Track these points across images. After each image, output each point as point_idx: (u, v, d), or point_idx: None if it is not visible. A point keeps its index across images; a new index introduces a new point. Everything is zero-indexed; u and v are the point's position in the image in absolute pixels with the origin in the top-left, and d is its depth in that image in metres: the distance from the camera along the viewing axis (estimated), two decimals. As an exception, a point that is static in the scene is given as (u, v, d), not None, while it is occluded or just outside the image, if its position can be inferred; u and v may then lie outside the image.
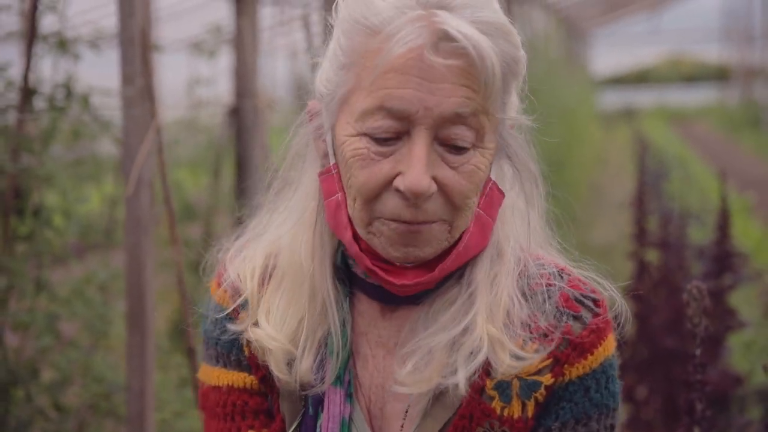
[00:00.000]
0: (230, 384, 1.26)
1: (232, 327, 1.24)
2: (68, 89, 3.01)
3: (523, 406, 1.17)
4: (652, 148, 12.69)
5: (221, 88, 7.39)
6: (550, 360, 1.17)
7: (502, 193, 1.19)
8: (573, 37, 21.06)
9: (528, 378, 1.17)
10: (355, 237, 1.16)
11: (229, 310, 1.25)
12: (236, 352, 1.26)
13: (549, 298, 1.19)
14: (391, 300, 1.20)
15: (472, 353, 1.15)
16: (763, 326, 5.73)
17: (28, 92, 2.90)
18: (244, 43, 4.00)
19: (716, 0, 25.18)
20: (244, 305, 1.25)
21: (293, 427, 1.23)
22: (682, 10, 26.53)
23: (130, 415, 2.60)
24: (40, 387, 2.96)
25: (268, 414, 1.26)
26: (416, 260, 1.14)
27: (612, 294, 1.22)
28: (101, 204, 6.52)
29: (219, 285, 1.28)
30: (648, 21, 25.57)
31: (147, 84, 2.53)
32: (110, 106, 3.36)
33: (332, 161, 1.17)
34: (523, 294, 1.19)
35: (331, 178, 1.17)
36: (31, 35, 2.82)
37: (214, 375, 1.28)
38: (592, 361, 1.18)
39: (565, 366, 1.18)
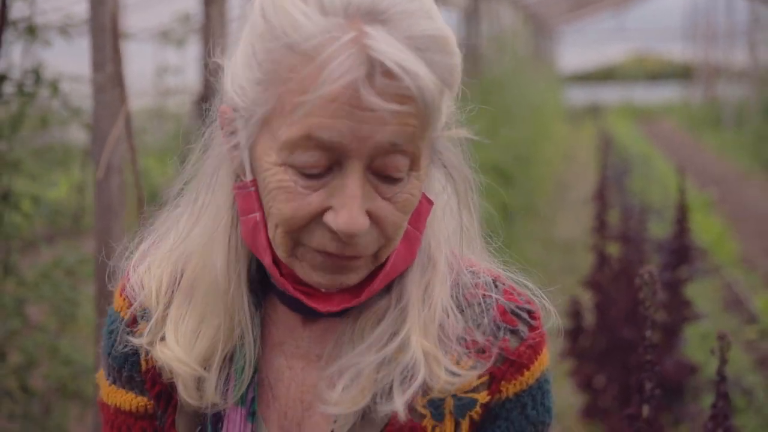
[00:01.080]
0: (117, 406, 1.21)
1: (131, 339, 1.17)
2: (37, 75, 3.02)
3: (457, 424, 1.12)
4: (617, 144, 12.85)
5: (189, 77, 7.40)
6: (486, 377, 1.12)
7: (430, 203, 1.12)
8: (540, 33, 21.20)
9: (463, 395, 1.11)
10: (275, 261, 1.08)
11: (127, 321, 1.19)
12: (129, 368, 1.19)
13: (486, 310, 1.13)
14: (313, 312, 1.12)
15: (407, 376, 1.09)
16: (720, 318, 5.87)
17: (-3, 78, 2.91)
18: (212, 32, 4.03)
19: (681, -1, 25.48)
20: (144, 317, 1.17)
21: None
22: (647, 8, 26.81)
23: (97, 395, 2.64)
24: (7, 369, 2.98)
25: None
26: (341, 287, 1.08)
27: (545, 303, 1.17)
28: (69, 191, 6.51)
29: (121, 293, 1.21)
30: (614, 19, 25.85)
31: (117, 70, 2.56)
32: (79, 93, 3.38)
33: (249, 177, 1.07)
34: (458, 305, 1.13)
35: (248, 195, 1.08)
36: (0, 21, 2.84)
37: (105, 391, 1.23)
38: (529, 377, 1.14)
39: (502, 383, 1.13)
